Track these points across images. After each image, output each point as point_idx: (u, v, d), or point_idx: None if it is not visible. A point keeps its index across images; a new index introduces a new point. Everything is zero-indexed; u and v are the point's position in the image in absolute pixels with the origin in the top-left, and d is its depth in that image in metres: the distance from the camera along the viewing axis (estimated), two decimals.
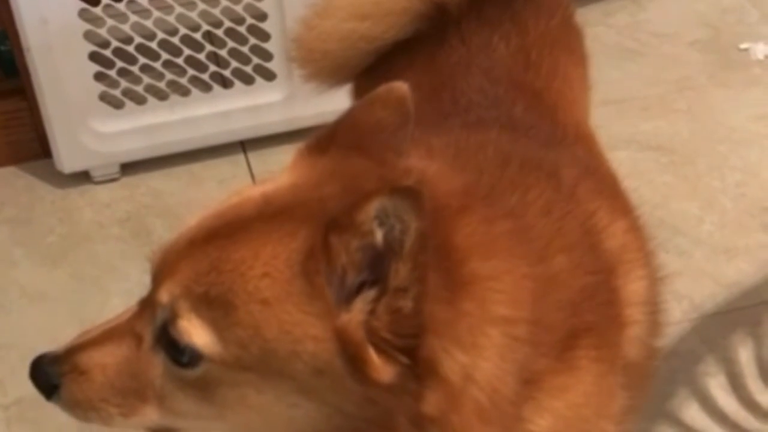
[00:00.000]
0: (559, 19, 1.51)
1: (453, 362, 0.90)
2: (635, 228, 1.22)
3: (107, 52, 2.29)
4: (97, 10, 2.24)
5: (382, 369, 0.88)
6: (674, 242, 2.19)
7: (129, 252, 2.24)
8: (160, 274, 0.97)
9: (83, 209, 2.37)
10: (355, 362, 0.88)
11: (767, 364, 1.91)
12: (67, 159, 2.36)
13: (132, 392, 0.99)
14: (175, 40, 2.33)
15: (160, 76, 2.36)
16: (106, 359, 1.00)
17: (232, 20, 2.34)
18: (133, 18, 2.28)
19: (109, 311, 2.08)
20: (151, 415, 1.00)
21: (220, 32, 2.34)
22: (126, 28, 2.28)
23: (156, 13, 2.28)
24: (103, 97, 2.33)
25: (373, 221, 0.84)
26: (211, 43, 2.37)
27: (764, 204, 2.28)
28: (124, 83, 2.34)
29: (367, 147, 1.00)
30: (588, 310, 1.04)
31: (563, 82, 1.43)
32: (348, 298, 0.88)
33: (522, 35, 1.43)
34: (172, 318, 0.93)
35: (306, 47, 1.59)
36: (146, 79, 2.35)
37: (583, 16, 1.63)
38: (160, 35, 2.31)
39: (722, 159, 2.41)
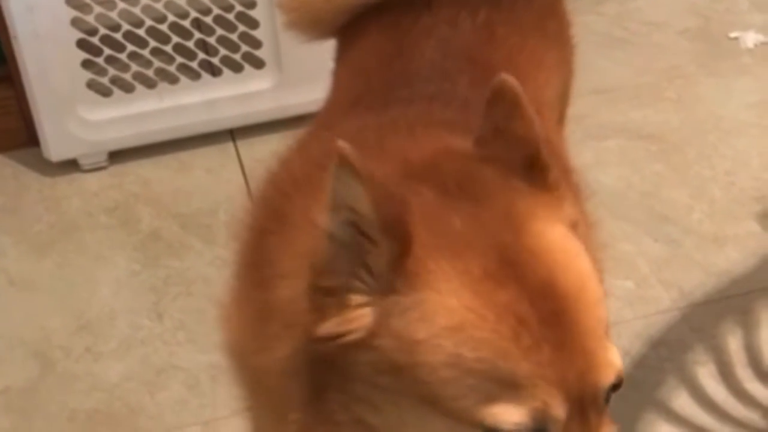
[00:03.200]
0: (540, 2, 1.51)
1: None
2: (565, 173, 1.26)
3: (95, 40, 2.27)
4: None
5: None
6: (664, 231, 2.19)
7: (117, 241, 2.23)
8: (586, 386, 0.86)
9: (71, 198, 2.36)
10: None
11: (757, 352, 1.92)
12: (54, 147, 2.35)
13: None
14: (164, 27, 2.31)
15: (148, 64, 2.35)
16: None
17: (221, 7, 2.32)
18: (121, 5, 2.26)
19: (97, 300, 2.09)
20: None
21: (208, 19, 2.33)
22: (114, 15, 2.26)
23: (144, 0, 2.27)
24: (91, 85, 2.32)
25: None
26: (200, 30, 2.35)
27: (754, 193, 2.28)
28: (112, 71, 2.33)
29: None
30: None
31: (528, 62, 1.42)
32: None
33: (492, 12, 1.44)
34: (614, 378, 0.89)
35: None
36: (134, 67, 2.34)
37: (573, 4, 1.62)
38: (149, 22, 2.29)
39: (712, 148, 2.41)
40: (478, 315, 0.84)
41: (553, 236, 0.90)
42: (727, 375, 1.87)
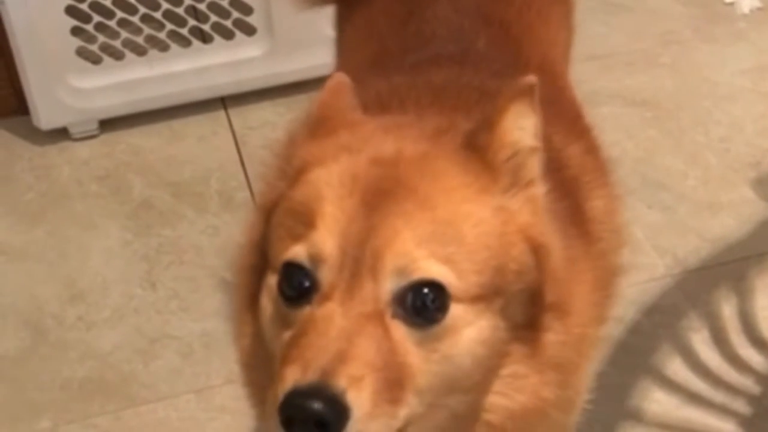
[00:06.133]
0: None
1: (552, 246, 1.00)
2: (591, 150, 1.27)
3: (84, 6, 2.25)
4: None
5: (554, 251, 0.98)
6: (658, 197, 2.18)
7: (108, 209, 2.22)
8: (365, 247, 0.91)
9: (62, 167, 2.34)
10: (538, 252, 0.97)
11: (751, 319, 1.92)
12: (44, 115, 2.33)
13: (393, 383, 0.89)
14: None
15: (138, 31, 2.32)
16: (368, 356, 0.88)
17: None
18: None
19: (89, 269, 2.07)
20: (409, 405, 0.91)
21: None
22: None
23: None
24: (81, 53, 2.30)
25: (514, 128, 0.96)
26: None
27: (748, 159, 2.27)
28: (101, 38, 2.30)
29: (351, 120, 1.05)
30: (563, 213, 1.10)
31: (536, 18, 1.42)
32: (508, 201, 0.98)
33: None
34: (413, 273, 0.90)
35: None
36: (124, 34, 2.31)
37: None
38: None
39: (707, 114, 2.40)
40: (322, 163, 0.97)
41: (433, 165, 0.96)
42: (720, 341, 1.87)
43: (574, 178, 1.18)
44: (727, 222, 2.12)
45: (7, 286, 2.07)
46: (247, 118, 2.42)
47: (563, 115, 1.28)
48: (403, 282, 0.90)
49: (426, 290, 0.90)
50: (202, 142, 2.38)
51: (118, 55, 2.33)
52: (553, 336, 0.99)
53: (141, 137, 2.40)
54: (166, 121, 2.42)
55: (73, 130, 2.39)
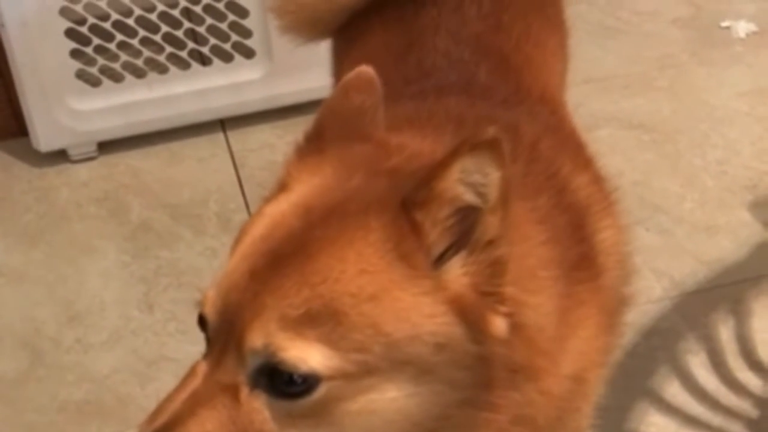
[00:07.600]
0: None
1: (527, 305, 0.93)
2: (598, 180, 1.24)
3: (84, 29, 2.26)
4: None
5: (497, 322, 0.89)
6: (655, 220, 2.18)
7: (107, 231, 2.22)
8: (237, 318, 0.89)
9: (60, 188, 2.34)
10: (473, 324, 0.89)
11: (748, 341, 1.91)
12: (43, 137, 2.34)
13: None
14: (153, 16, 2.30)
15: (137, 54, 2.33)
16: (207, 427, 0.88)
17: None
18: None
19: (87, 291, 2.07)
20: None
21: (198, 9, 2.32)
22: (102, 4, 2.25)
23: None
24: (80, 75, 2.30)
25: (457, 184, 0.85)
26: (189, 19, 2.34)
27: (745, 182, 2.28)
28: (101, 60, 2.31)
29: (357, 132, 0.99)
30: (570, 257, 1.06)
31: (534, 47, 1.42)
32: (445, 264, 0.89)
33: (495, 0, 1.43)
34: (274, 355, 0.86)
35: None
36: (123, 57, 2.32)
37: None
38: (138, 12, 2.28)
39: (703, 137, 2.41)
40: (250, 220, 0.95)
41: (345, 226, 0.89)
42: (718, 364, 1.87)
43: (583, 212, 1.14)
44: (724, 244, 2.13)
45: (5, 308, 2.06)
46: (245, 140, 2.43)
47: (567, 145, 1.26)
48: (263, 361, 0.87)
49: (288, 371, 0.86)
50: (201, 164, 2.39)
51: (117, 78, 2.34)
52: (519, 397, 0.94)
53: (140, 159, 2.40)
54: (165, 144, 2.43)
55: (72, 152, 2.39)
